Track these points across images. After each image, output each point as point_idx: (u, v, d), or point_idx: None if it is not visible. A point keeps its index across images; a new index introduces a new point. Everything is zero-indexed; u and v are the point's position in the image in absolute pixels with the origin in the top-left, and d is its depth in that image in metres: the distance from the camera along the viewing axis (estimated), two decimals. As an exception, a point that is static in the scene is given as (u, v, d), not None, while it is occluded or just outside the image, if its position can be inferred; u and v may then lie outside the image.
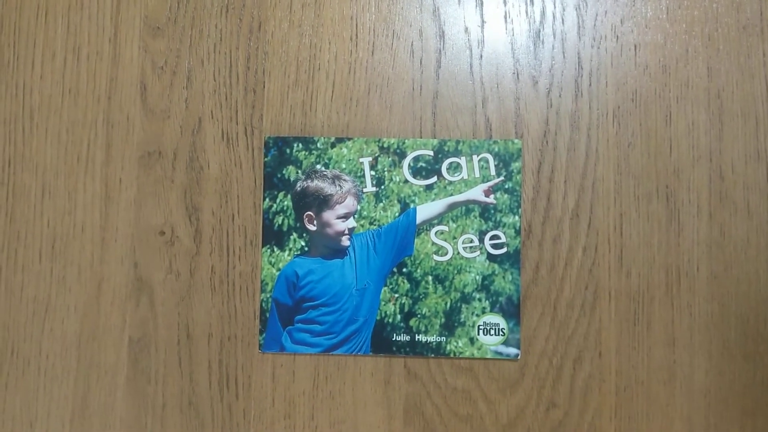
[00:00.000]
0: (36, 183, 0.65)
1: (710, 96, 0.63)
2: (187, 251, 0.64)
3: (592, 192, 0.63)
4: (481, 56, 0.64)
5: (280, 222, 0.64)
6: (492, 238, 0.63)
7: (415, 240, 0.63)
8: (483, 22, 0.64)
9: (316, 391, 0.63)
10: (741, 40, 0.63)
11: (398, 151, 0.63)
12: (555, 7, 0.63)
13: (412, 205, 0.63)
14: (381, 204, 0.63)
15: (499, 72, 0.64)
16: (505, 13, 0.64)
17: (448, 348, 0.62)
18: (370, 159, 0.63)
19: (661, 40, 0.63)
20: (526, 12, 0.64)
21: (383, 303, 0.63)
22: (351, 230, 0.63)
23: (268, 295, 0.63)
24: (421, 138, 0.64)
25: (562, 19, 0.63)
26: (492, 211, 0.63)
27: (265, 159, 0.64)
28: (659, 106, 0.63)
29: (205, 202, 0.64)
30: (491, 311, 0.62)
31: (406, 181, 0.63)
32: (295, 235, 0.64)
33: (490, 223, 0.63)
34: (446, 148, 0.63)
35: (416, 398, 0.63)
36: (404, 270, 0.63)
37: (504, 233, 0.62)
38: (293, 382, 0.63)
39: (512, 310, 0.62)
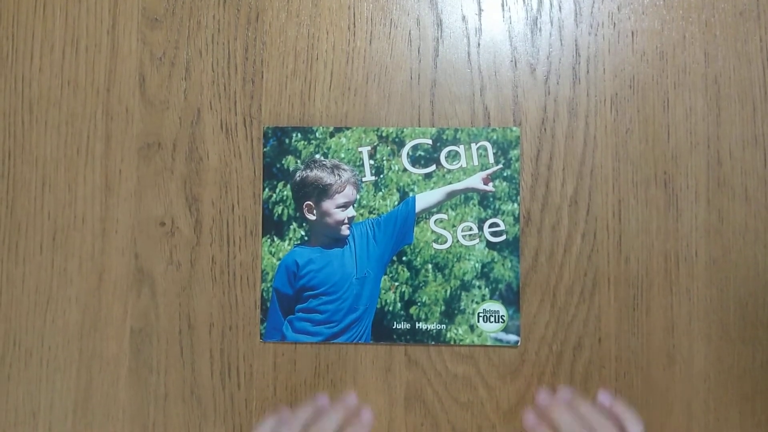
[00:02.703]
0: (36, 175, 0.65)
1: (707, 82, 0.63)
2: (188, 242, 0.64)
3: (591, 179, 0.63)
4: (479, 44, 0.64)
5: (279, 212, 0.64)
6: (491, 225, 0.63)
7: (415, 228, 0.63)
8: (480, 10, 0.64)
9: (318, 380, 0.63)
10: (738, 26, 0.63)
11: (397, 140, 0.64)
12: (552, -5, 0.64)
13: (411, 194, 0.63)
14: (380, 193, 0.63)
15: (497, 60, 0.64)
16: (503, 0, 0.64)
17: (449, 335, 0.63)
18: (369, 148, 0.64)
19: (658, 26, 0.63)
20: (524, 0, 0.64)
21: (383, 291, 0.63)
22: (350, 219, 0.63)
23: (269, 285, 0.64)
24: (419, 127, 0.64)
25: (560, 7, 0.64)
26: (491, 199, 0.63)
27: (264, 149, 0.64)
28: (657, 93, 0.63)
29: (205, 193, 0.65)
30: (491, 298, 0.63)
31: (405, 169, 0.64)
32: (294, 224, 0.64)
33: (489, 211, 0.63)
34: (445, 137, 0.63)
35: (417, 385, 0.63)
36: (404, 258, 0.63)
37: (503, 221, 0.63)
38: (294, 371, 0.63)
39: (512, 298, 0.62)
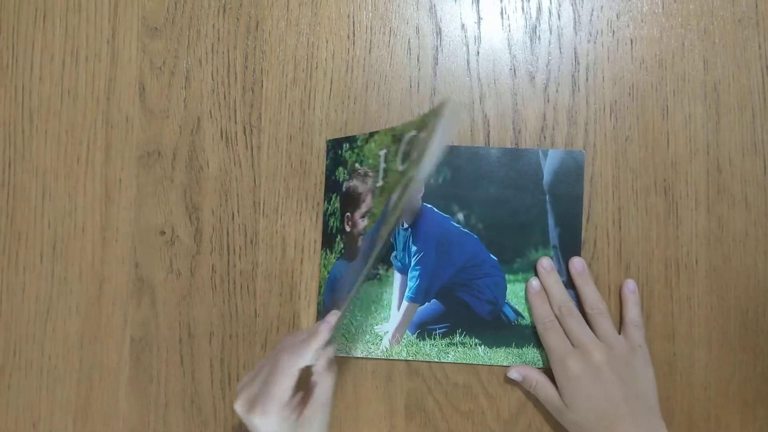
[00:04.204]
0: (36, 185, 0.65)
1: (707, 89, 0.63)
2: (188, 250, 0.64)
3: (590, 186, 0.63)
4: (478, 53, 0.64)
5: (332, 224, 0.62)
6: None
7: None
8: (479, 18, 0.64)
9: (318, 389, 0.63)
10: (737, 33, 0.63)
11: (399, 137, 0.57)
12: (551, 3, 0.64)
13: None
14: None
15: (496, 68, 0.64)
16: (502, 9, 0.64)
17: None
18: (386, 151, 0.58)
19: (657, 34, 0.63)
20: (523, 8, 0.64)
21: None
22: (365, 229, 0.58)
23: (321, 299, 0.63)
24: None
25: (558, 15, 0.64)
26: None
27: (326, 162, 0.63)
28: (656, 100, 0.63)
29: (205, 202, 0.65)
30: None
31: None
32: (339, 237, 0.61)
33: None
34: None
35: (417, 394, 0.63)
36: None
37: None
38: (295, 380, 0.63)
39: None
